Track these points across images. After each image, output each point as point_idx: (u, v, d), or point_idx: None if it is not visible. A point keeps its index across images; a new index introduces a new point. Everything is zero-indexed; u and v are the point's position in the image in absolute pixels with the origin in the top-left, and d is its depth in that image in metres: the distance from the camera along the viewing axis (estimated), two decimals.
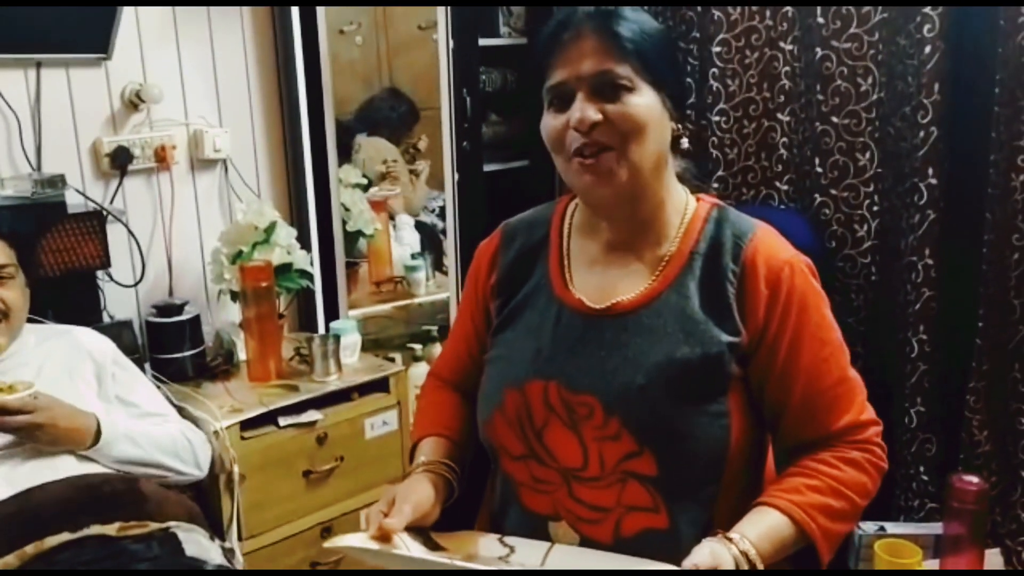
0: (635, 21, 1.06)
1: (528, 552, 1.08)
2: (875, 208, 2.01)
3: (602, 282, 1.12)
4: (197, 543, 1.53)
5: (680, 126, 1.10)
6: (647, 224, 1.11)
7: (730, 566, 0.97)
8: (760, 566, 0.99)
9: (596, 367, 1.07)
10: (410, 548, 1.04)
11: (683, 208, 1.13)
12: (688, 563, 0.97)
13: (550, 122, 1.08)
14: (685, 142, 1.11)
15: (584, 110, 1.03)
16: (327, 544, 1.05)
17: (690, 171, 1.18)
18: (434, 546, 1.08)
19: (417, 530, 1.08)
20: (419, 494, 1.10)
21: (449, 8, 2.24)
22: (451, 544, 1.10)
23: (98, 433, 1.58)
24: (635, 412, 1.04)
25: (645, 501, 1.06)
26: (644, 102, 1.04)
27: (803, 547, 1.05)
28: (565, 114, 1.05)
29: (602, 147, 1.04)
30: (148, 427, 1.69)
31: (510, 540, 1.11)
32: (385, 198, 2.94)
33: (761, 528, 1.02)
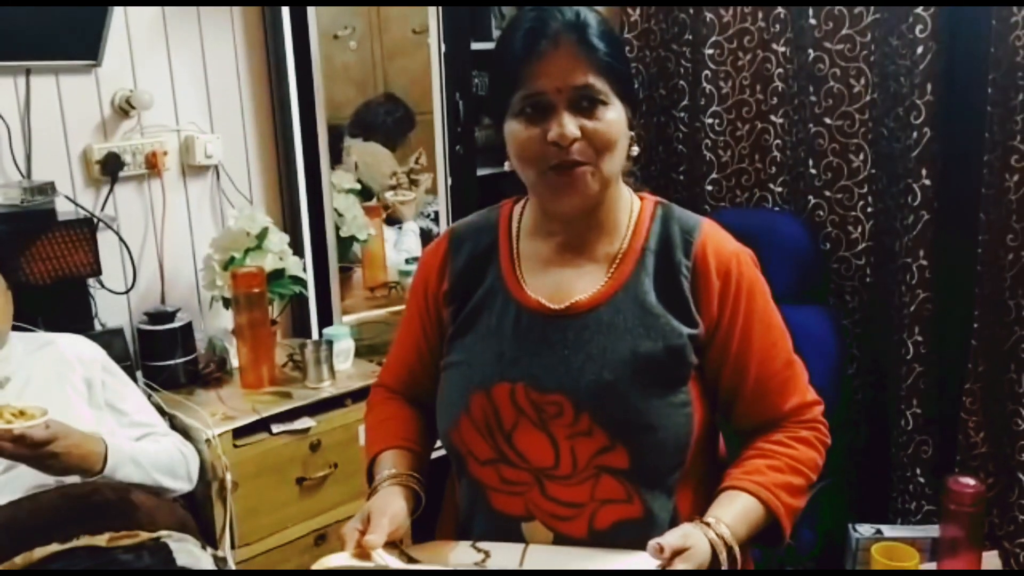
0: (606, 33, 1.07)
1: (504, 554, 1.09)
2: (869, 209, 2.01)
3: (557, 282, 1.14)
4: (189, 552, 1.51)
5: (631, 134, 1.12)
6: (600, 225, 1.14)
7: (704, 545, 1.01)
8: (736, 549, 1.03)
9: (561, 366, 1.09)
10: (389, 563, 1.03)
11: (629, 207, 1.16)
12: (654, 540, 0.99)
13: (523, 133, 1.07)
14: (635, 150, 1.14)
15: (566, 125, 1.03)
16: (314, 567, 1.03)
17: (632, 172, 1.21)
18: (408, 559, 1.08)
19: (391, 545, 1.07)
20: (394, 507, 1.10)
21: (441, 12, 2.23)
22: (425, 555, 1.10)
23: (105, 458, 1.56)
24: (606, 407, 1.06)
25: (619, 493, 1.08)
26: (616, 117, 1.07)
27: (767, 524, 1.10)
28: (538, 126, 1.05)
29: (578, 163, 1.05)
30: (147, 446, 1.68)
31: (483, 545, 1.11)
32: (401, 202, 2.94)
33: (735, 511, 1.07)
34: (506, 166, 1.13)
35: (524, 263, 1.17)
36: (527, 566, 1.06)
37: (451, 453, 1.17)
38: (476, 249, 1.20)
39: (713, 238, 1.13)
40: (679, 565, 0.98)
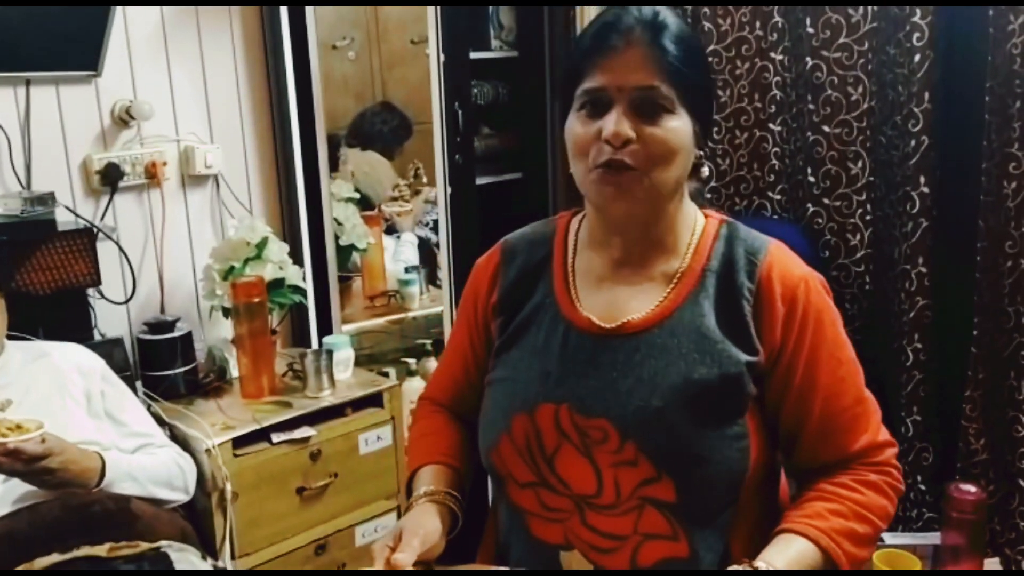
0: (684, 39, 1.01)
1: None
2: (868, 217, 2.02)
3: (611, 300, 1.08)
4: (189, 563, 1.51)
5: (701, 153, 1.06)
6: (658, 242, 1.08)
7: None
8: None
9: (609, 389, 1.03)
10: None
11: (692, 224, 1.10)
12: None
13: (579, 127, 1.03)
14: (706, 170, 1.08)
15: (620, 124, 0.98)
16: None
17: (699, 189, 1.15)
18: None
19: (422, 564, 1.03)
20: (427, 527, 1.05)
21: (440, 22, 2.24)
22: None
23: (102, 474, 1.56)
24: (653, 436, 1.00)
25: (663, 528, 1.02)
26: (679, 127, 1.00)
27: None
28: (597, 122, 1.00)
29: (627, 167, 1.00)
30: (145, 460, 1.67)
31: (518, 570, 1.08)
32: (397, 213, 2.95)
33: (788, 556, 0.99)
34: (572, 168, 1.07)
35: (579, 278, 1.12)
36: None
37: (491, 473, 1.13)
38: (529, 262, 1.15)
39: (780, 261, 1.06)
40: None
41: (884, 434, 1.09)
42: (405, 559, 0.99)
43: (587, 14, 2.34)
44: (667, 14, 1.01)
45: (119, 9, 2.02)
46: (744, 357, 1.02)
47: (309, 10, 2.26)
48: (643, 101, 0.99)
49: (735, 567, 0.98)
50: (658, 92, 0.99)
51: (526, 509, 1.09)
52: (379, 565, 1.01)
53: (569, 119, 1.05)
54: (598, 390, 1.04)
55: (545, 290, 1.12)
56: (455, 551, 1.11)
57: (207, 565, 1.55)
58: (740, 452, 1.02)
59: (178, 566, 1.48)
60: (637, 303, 1.07)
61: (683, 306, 1.05)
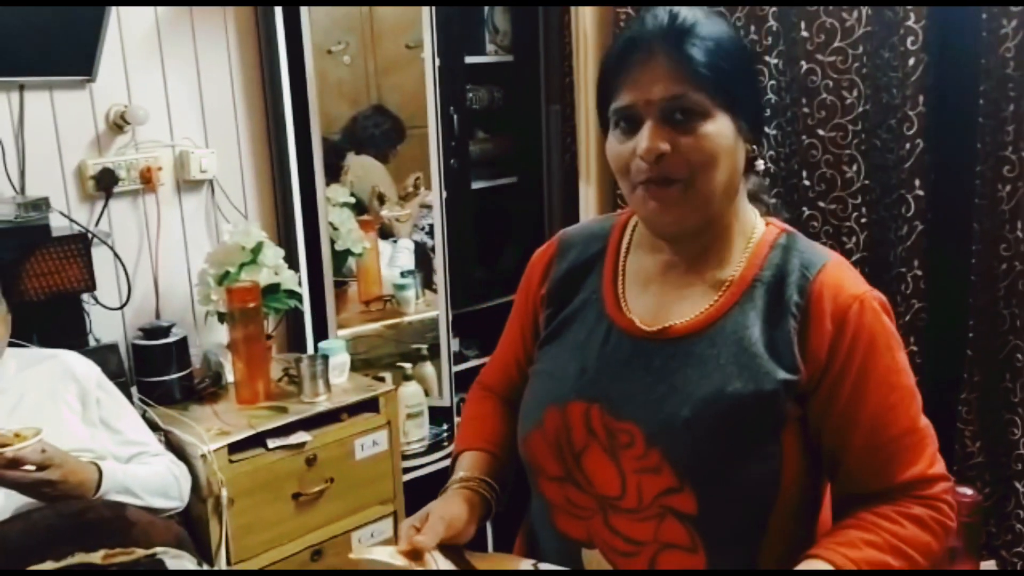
0: (711, 39, 0.97)
1: None
2: (863, 220, 2.02)
3: (657, 303, 1.07)
4: (184, 569, 1.50)
5: (755, 147, 1.03)
6: (710, 246, 1.05)
7: None
8: None
9: (641, 394, 1.02)
10: (440, 565, 1.00)
11: (750, 231, 1.06)
12: None
13: (616, 147, 1.01)
14: (761, 164, 1.05)
15: (652, 140, 0.96)
16: (352, 556, 1.02)
17: (763, 190, 1.12)
18: (465, 565, 1.05)
19: (451, 548, 1.04)
20: (453, 511, 1.05)
21: (435, 26, 2.24)
22: (483, 564, 1.06)
23: (98, 486, 1.55)
24: (678, 446, 0.98)
25: (683, 540, 1.00)
26: (717, 130, 0.97)
27: None
28: (632, 139, 0.98)
29: (670, 179, 0.97)
30: (140, 470, 1.67)
31: (544, 567, 1.07)
32: (396, 218, 2.94)
33: None
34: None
35: (627, 278, 1.10)
36: None
37: (525, 463, 1.13)
38: (582, 256, 1.14)
39: (834, 277, 1.00)
40: None
41: (938, 467, 1.02)
42: (426, 541, 1.00)
43: (583, 16, 2.34)
44: (687, 14, 0.98)
45: (114, 14, 2.01)
46: (783, 375, 0.98)
47: (304, 15, 2.26)
48: (673, 111, 0.97)
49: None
50: (687, 99, 0.96)
51: (554, 503, 1.09)
52: (403, 544, 1.01)
53: (608, 139, 1.03)
54: (630, 394, 1.03)
55: (593, 287, 1.11)
56: (498, 533, 1.10)
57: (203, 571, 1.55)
58: (771, 473, 0.98)
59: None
60: (682, 308, 1.05)
61: (727, 315, 1.02)
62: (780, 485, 0.99)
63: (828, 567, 0.95)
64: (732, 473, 0.97)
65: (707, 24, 0.98)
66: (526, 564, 1.09)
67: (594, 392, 1.04)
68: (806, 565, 0.96)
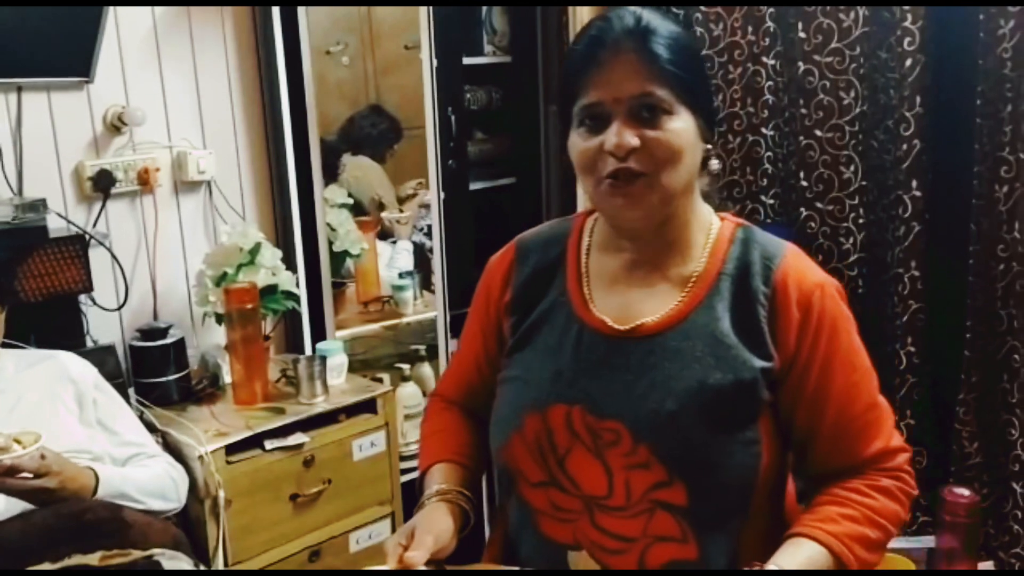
0: (672, 39, 1.01)
1: None
2: (860, 221, 2.02)
3: (624, 302, 1.08)
4: (182, 570, 1.50)
5: (710, 147, 1.06)
6: (672, 243, 1.08)
7: None
8: None
9: (622, 392, 1.03)
10: None
11: (708, 227, 1.10)
12: None
13: (581, 144, 1.03)
14: (715, 163, 1.08)
15: (622, 135, 0.99)
16: None
17: (714, 189, 1.14)
18: None
19: (433, 562, 1.03)
20: (439, 525, 1.06)
21: (433, 27, 2.24)
22: None
23: (95, 492, 1.55)
24: (666, 440, 1.00)
25: (673, 531, 1.02)
26: (681, 127, 1.01)
27: None
28: (598, 136, 1.01)
29: (635, 174, 1.00)
30: (137, 474, 1.66)
31: (528, 571, 1.08)
32: (397, 220, 2.95)
33: (799, 559, 0.99)
34: (579, 185, 1.09)
35: (592, 279, 1.12)
36: None
37: (502, 471, 1.13)
38: (543, 261, 1.15)
39: (796, 266, 1.06)
40: None
41: (897, 439, 1.09)
42: (418, 557, 1.00)
43: (580, 16, 2.34)
44: (650, 16, 1.02)
45: (111, 15, 2.01)
46: (759, 363, 1.02)
47: (302, 15, 2.26)
48: (641, 108, 0.99)
49: (748, 570, 0.98)
50: (654, 96, 0.99)
51: (536, 508, 1.09)
52: (392, 563, 1.01)
53: (571, 137, 1.05)
54: (611, 392, 1.04)
55: (559, 290, 1.12)
56: (461, 547, 1.11)
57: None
58: (752, 458, 1.02)
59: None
60: (651, 305, 1.07)
61: (698, 310, 1.05)
62: (760, 469, 1.02)
63: (813, 545, 1.00)
64: (719, 462, 1.00)
65: (667, 25, 1.02)
66: (508, 571, 1.09)
67: (574, 394, 1.05)
68: (791, 544, 1.01)
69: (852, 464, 1.06)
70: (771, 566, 0.98)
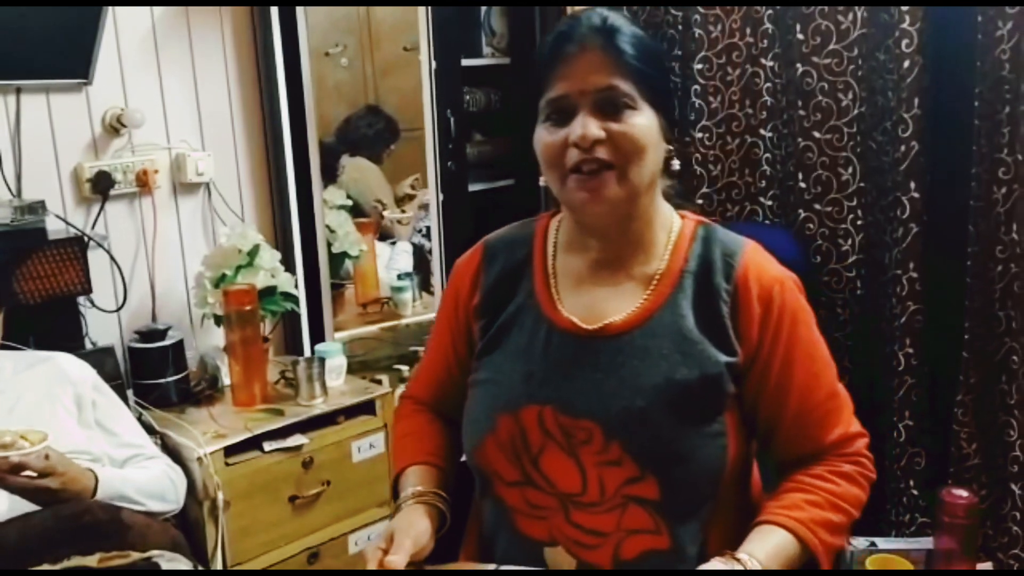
0: (637, 38, 1.05)
1: None
2: (859, 222, 2.02)
3: (591, 301, 1.11)
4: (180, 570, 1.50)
5: (671, 148, 1.09)
6: (636, 242, 1.11)
7: None
8: None
9: (593, 390, 1.06)
10: None
11: (669, 225, 1.13)
12: None
13: (546, 137, 1.06)
14: (676, 163, 1.11)
15: (587, 126, 1.01)
16: None
17: (674, 189, 1.17)
18: None
19: (413, 565, 1.04)
20: (418, 527, 1.07)
21: (432, 29, 2.24)
22: None
23: (94, 493, 1.55)
24: (637, 437, 1.03)
25: (647, 524, 1.05)
26: (644, 122, 1.04)
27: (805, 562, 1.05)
28: (563, 129, 1.04)
29: (602, 165, 1.02)
30: (136, 475, 1.66)
31: (507, 568, 1.09)
32: (398, 221, 2.95)
33: (768, 547, 1.02)
34: (541, 181, 1.09)
35: (559, 279, 1.14)
36: None
37: (476, 472, 1.15)
38: (509, 263, 1.17)
39: (756, 262, 1.10)
40: None
41: (856, 425, 1.13)
42: (398, 560, 1.01)
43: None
44: (616, 17, 1.05)
45: (110, 17, 2.01)
46: (723, 358, 1.06)
47: (301, 17, 2.26)
48: (606, 101, 1.02)
49: (719, 561, 1.00)
50: (618, 91, 1.02)
51: (512, 507, 1.11)
52: (372, 566, 1.02)
53: (536, 131, 1.08)
54: (582, 391, 1.06)
55: (526, 292, 1.14)
56: (437, 547, 1.12)
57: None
58: (720, 449, 1.05)
59: None
60: (617, 304, 1.09)
61: (663, 308, 1.08)
62: (727, 460, 1.06)
63: (781, 531, 1.03)
64: (689, 455, 1.03)
65: (631, 27, 1.06)
66: (486, 569, 1.09)
67: (545, 394, 1.07)
68: (759, 532, 1.04)
69: (814, 451, 1.10)
70: (742, 554, 1.01)
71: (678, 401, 1.03)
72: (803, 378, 1.08)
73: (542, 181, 1.10)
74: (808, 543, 1.04)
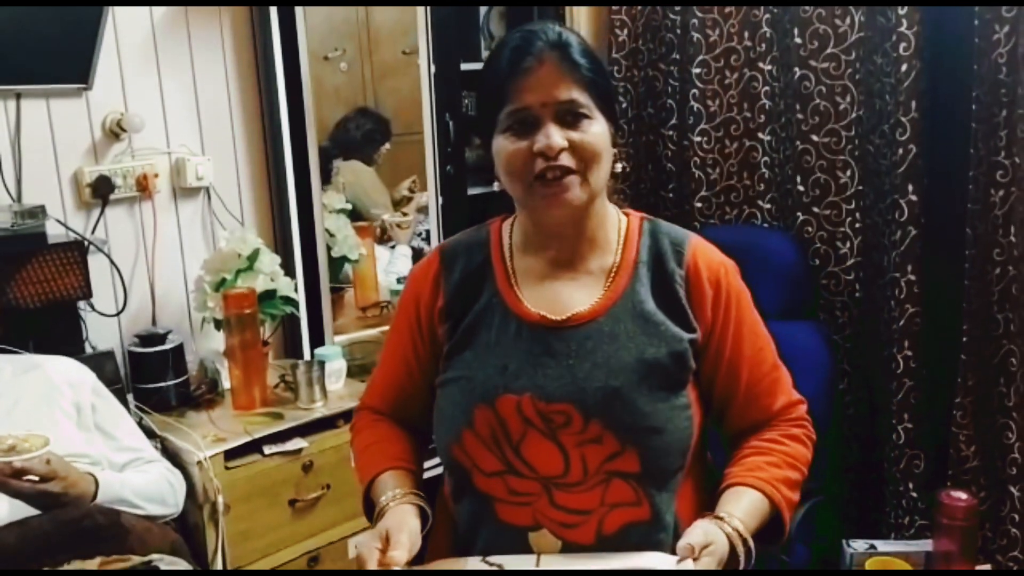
0: (587, 52, 1.13)
1: (517, 565, 1.09)
2: (857, 225, 2.03)
3: (554, 296, 1.17)
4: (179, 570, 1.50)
5: (616, 152, 1.17)
6: (591, 239, 1.18)
7: (723, 539, 1.06)
8: (751, 541, 1.08)
9: (568, 375, 1.11)
10: None
11: (617, 222, 1.21)
12: (683, 542, 1.04)
13: (510, 147, 1.11)
14: (619, 166, 1.20)
15: (552, 137, 1.08)
16: None
17: (620, 190, 1.26)
18: None
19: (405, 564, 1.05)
20: (410, 525, 1.10)
21: (431, 32, 2.25)
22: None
23: (94, 498, 1.55)
24: (615, 413, 1.09)
25: (628, 497, 1.11)
26: (600, 130, 1.12)
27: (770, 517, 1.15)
28: (526, 139, 1.10)
29: (565, 171, 1.09)
30: (135, 479, 1.66)
31: (494, 559, 1.11)
32: (398, 224, 2.95)
33: (742, 505, 1.12)
34: (495, 186, 1.15)
35: (520, 278, 1.20)
36: None
37: (453, 468, 1.17)
38: (470, 265, 1.22)
39: (702, 249, 1.20)
40: (705, 559, 1.02)
41: (796, 393, 1.25)
42: (401, 556, 1.04)
43: (578, 18, 2.36)
44: (568, 33, 1.13)
45: (110, 21, 2.02)
46: (685, 335, 1.15)
47: (300, 20, 2.26)
48: (566, 112, 1.10)
49: (704, 522, 1.07)
50: (577, 102, 1.10)
51: (493, 496, 1.14)
52: (372, 565, 1.03)
53: (496, 142, 1.13)
54: (557, 377, 1.12)
55: (491, 292, 1.19)
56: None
57: None
58: (688, 420, 1.14)
59: None
60: (579, 297, 1.16)
61: (624, 296, 1.16)
62: (694, 430, 1.14)
63: (750, 491, 1.13)
64: (664, 427, 1.11)
65: (583, 42, 1.14)
66: (472, 561, 1.11)
67: (522, 384, 1.12)
68: (732, 494, 1.13)
69: (764, 418, 1.21)
70: (722, 513, 1.10)
71: (649, 377, 1.11)
72: (751, 352, 1.19)
73: (496, 186, 1.15)
74: (773, 499, 1.14)
